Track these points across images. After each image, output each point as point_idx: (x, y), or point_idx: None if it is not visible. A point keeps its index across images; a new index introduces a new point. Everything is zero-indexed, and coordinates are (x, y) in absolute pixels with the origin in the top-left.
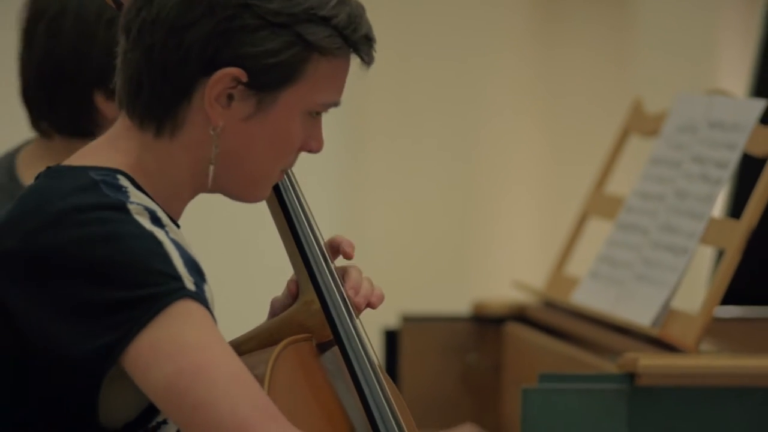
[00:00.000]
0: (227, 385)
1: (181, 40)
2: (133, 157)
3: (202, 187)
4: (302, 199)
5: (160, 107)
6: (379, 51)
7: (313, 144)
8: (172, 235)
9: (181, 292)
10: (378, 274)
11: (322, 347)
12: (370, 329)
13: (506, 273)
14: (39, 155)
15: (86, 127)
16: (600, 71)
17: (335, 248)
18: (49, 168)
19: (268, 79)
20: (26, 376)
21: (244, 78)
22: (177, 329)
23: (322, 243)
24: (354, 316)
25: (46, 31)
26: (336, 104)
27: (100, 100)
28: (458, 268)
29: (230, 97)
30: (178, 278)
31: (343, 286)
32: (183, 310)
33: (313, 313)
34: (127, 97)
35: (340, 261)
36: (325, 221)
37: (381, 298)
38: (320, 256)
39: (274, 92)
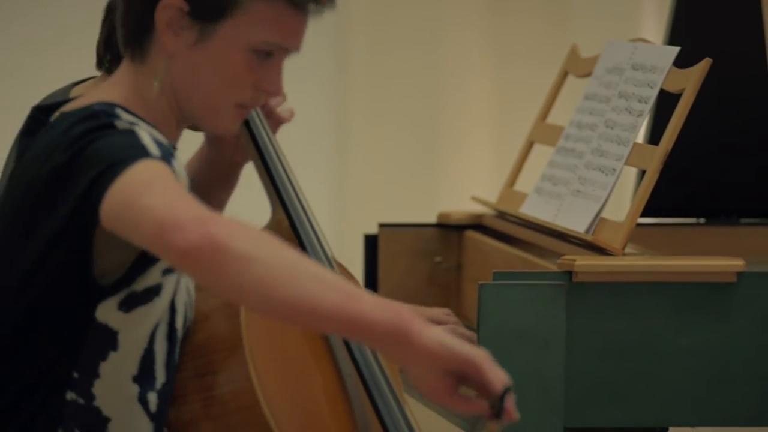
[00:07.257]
0: (165, 190)
1: None
2: (128, 88)
3: (179, 111)
4: (269, 134)
5: (131, 35)
6: (368, 19)
7: (266, 85)
8: (152, 133)
9: (144, 156)
10: (362, 191)
11: None
12: (354, 235)
13: (466, 189)
14: None
15: None
16: (543, 24)
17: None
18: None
19: (205, 10)
20: (36, 253)
21: (186, 7)
22: (136, 173)
23: (289, 171)
24: (316, 227)
25: None
26: (284, 48)
27: None
28: (427, 186)
29: (180, 26)
30: (142, 147)
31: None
32: (145, 164)
33: (283, 230)
34: (119, 37)
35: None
36: (318, 152)
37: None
38: (287, 182)
39: (213, 24)
